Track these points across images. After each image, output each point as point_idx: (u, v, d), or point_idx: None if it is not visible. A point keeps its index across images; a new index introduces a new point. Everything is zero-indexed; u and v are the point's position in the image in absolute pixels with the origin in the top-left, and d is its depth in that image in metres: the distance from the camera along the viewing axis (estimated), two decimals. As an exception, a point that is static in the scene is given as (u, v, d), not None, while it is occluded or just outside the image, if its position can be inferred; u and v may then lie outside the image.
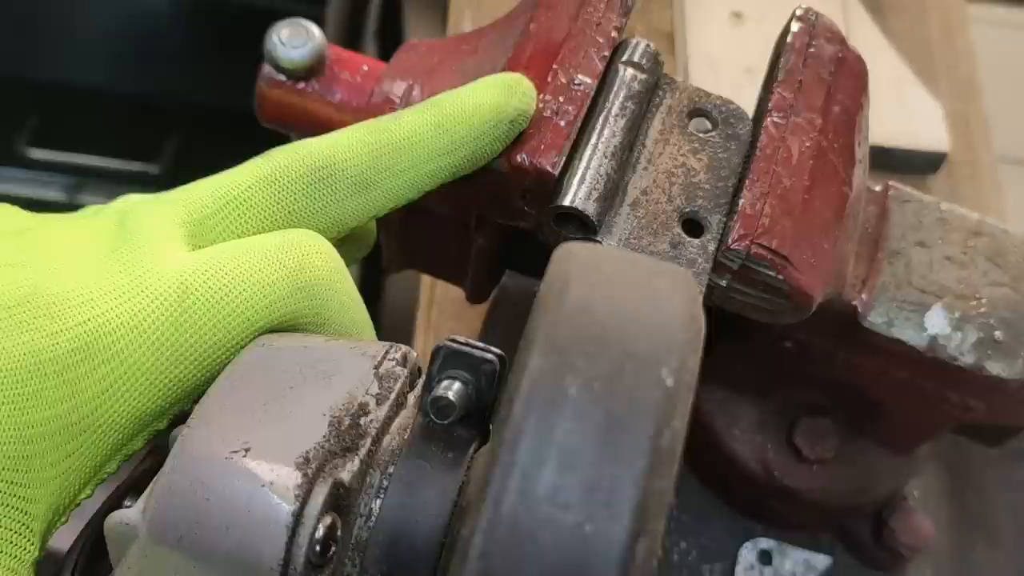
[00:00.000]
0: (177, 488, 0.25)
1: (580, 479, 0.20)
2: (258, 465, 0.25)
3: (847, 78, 0.42)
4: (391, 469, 0.27)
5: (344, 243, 0.37)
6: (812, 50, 0.42)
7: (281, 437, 0.26)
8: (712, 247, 0.38)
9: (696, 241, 0.38)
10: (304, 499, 0.25)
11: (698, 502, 0.57)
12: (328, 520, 0.25)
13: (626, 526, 0.20)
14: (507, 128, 0.37)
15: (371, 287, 0.86)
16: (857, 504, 0.52)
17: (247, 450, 0.26)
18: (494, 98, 0.36)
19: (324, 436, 0.26)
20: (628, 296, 0.23)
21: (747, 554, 0.55)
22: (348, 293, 0.33)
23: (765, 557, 0.55)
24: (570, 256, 0.24)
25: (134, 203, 0.33)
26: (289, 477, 0.25)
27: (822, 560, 0.55)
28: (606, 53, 0.41)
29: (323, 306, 0.32)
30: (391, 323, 0.78)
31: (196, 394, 0.30)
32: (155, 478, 0.26)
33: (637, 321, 0.22)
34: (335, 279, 0.33)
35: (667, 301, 0.23)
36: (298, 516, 0.25)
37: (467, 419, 0.27)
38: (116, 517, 0.26)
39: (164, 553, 0.25)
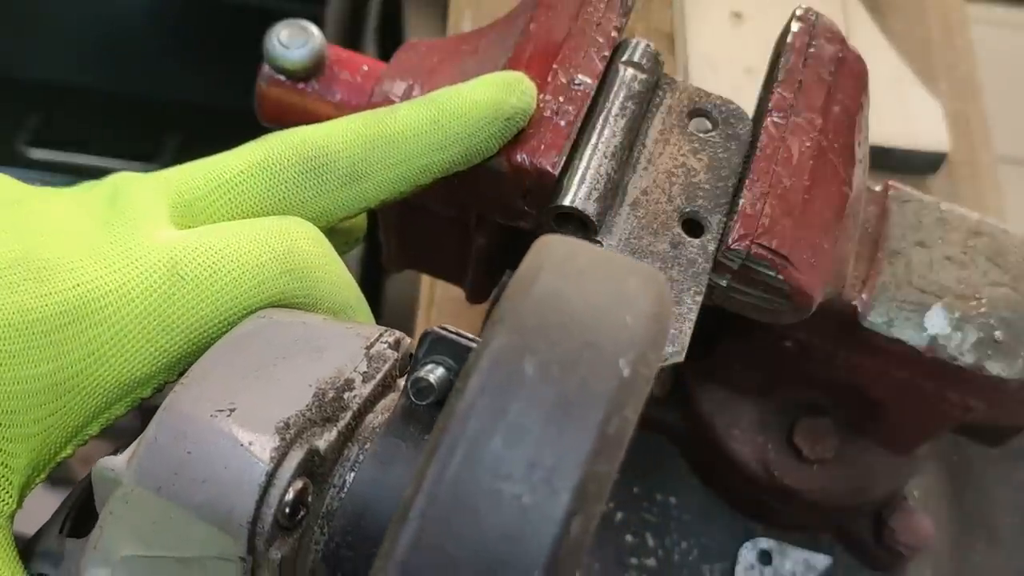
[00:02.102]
0: (162, 440, 0.27)
1: (525, 454, 0.20)
2: (239, 426, 0.26)
3: (847, 78, 0.42)
4: (369, 445, 0.28)
5: (333, 235, 0.37)
6: (812, 50, 0.42)
7: (266, 402, 0.27)
8: (712, 247, 0.38)
9: (696, 241, 0.38)
10: (279, 462, 0.26)
11: (699, 502, 0.57)
12: (300, 484, 0.26)
13: (563, 503, 0.20)
14: (504, 126, 0.37)
15: (371, 287, 0.86)
16: (857, 504, 0.52)
17: (232, 411, 0.27)
18: (492, 95, 0.36)
19: (307, 405, 0.27)
20: (597, 288, 0.23)
21: (747, 554, 0.55)
22: (339, 275, 0.34)
23: (765, 557, 0.55)
24: (546, 247, 0.25)
25: (126, 179, 0.33)
26: (267, 440, 0.26)
27: (822, 560, 0.55)
28: (606, 53, 0.41)
29: (313, 287, 0.33)
30: (391, 323, 0.78)
31: (182, 366, 0.31)
32: (144, 430, 0.27)
33: (602, 313, 0.23)
34: (324, 262, 0.33)
35: (635, 297, 0.23)
36: (271, 477, 0.26)
37: None
38: (103, 463, 0.27)
39: (144, 500, 0.26)
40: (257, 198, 0.33)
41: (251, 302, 0.31)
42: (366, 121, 0.35)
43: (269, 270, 0.31)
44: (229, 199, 0.33)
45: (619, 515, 0.56)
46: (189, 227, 0.32)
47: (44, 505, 0.31)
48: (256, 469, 0.26)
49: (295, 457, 0.26)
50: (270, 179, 0.34)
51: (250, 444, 0.26)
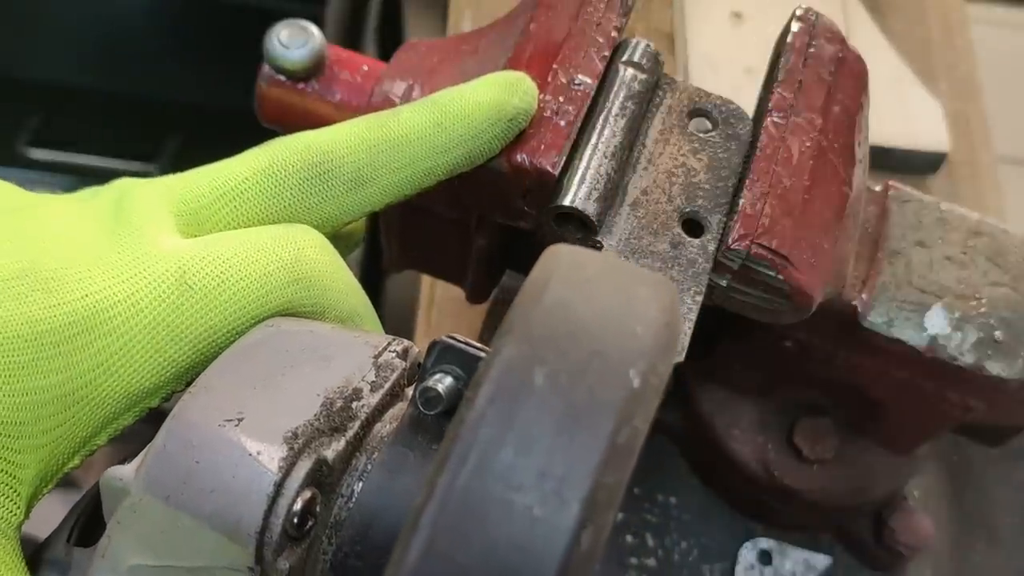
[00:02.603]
0: (170, 449, 0.27)
1: (535, 464, 0.20)
2: (248, 435, 0.26)
3: (847, 78, 0.42)
4: (377, 455, 0.28)
5: (335, 240, 0.37)
6: (812, 50, 0.42)
7: (274, 411, 0.27)
8: (712, 247, 0.38)
9: (696, 241, 0.38)
10: (287, 471, 0.26)
11: (698, 502, 0.57)
12: (308, 494, 0.26)
13: (574, 514, 0.20)
14: (506, 127, 0.37)
15: (371, 287, 0.86)
16: (857, 504, 0.52)
17: (240, 420, 0.27)
18: (494, 96, 0.36)
19: (315, 415, 0.27)
20: (607, 298, 0.23)
21: (747, 554, 0.55)
22: (346, 283, 0.34)
23: (765, 557, 0.55)
24: (555, 256, 0.25)
25: (130, 186, 0.33)
26: (275, 449, 0.26)
27: (822, 560, 0.55)
28: (606, 53, 0.41)
29: (321, 296, 0.32)
30: (391, 323, 0.78)
31: (189, 376, 0.31)
32: (153, 439, 0.27)
33: (612, 322, 0.23)
34: (331, 270, 0.33)
35: (645, 307, 0.23)
36: (279, 487, 0.26)
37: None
38: (112, 473, 0.27)
39: (152, 509, 0.26)
40: (262, 205, 0.33)
41: (259, 311, 0.31)
42: (369, 125, 0.35)
43: (277, 279, 0.31)
44: (234, 207, 0.33)
45: (619, 515, 0.56)
46: (194, 235, 0.32)
47: (51, 511, 0.31)
48: (264, 479, 0.26)
49: (303, 467, 0.26)
50: (275, 186, 0.33)
51: (258, 454, 0.26)
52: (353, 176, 0.34)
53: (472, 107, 0.36)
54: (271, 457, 0.26)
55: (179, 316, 0.30)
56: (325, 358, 0.29)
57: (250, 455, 0.26)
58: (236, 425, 0.27)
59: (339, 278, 0.33)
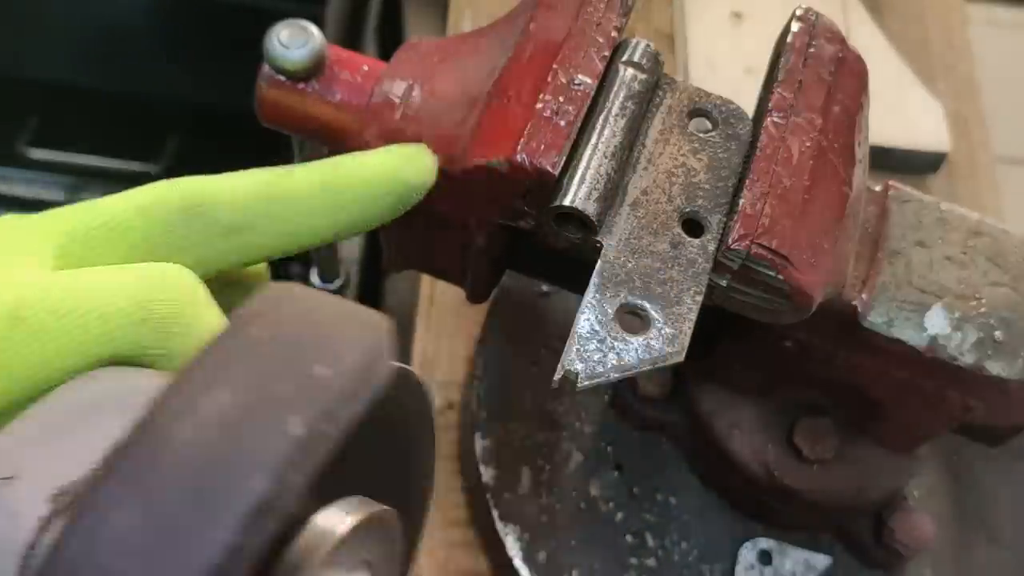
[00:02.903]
0: None
1: (154, 528, 0.19)
2: (14, 494, 0.25)
3: (847, 78, 0.42)
4: None
5: (234, 287, 0.37)
6: (812, 50, 0.42)
7: (50, 468, 0.26)
8: (712, 247, 0.38)
9: (696, 241, 0.38)
10: (44, 530, 0.25)
11: (699, 502, 0.57)
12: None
13: None
14: (397, 199, 0.37)
15: (371, 287, 0.86)
16: (857, 504, 0.52)
17: (11, 479, 0.25)
18: (390, 167, 0.37)
19: (94, 468, 0.26)
20: (299, 337, 0.22)
21: (747, 554, 0.55)
22: (209, 329, 0.32)
23: (765, 557, 0.55)
24: (263, 296, 0.24)
25: (12, 220, 0.32)
26: (37, 508, 0.25)
27: (822, 560, 0.55)
28: (606, 53, 0.41)
29: (171, 340, 0.31)
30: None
31: (15, 411, 0.29)
32: None
33: (292, 362, 0.21)
34: (190, 314, 0.31)
35: (345, 346, 0.22)
36: (32, 547, 0.24)
37: None
38: None
39: None
40: (135, 241, 0.33)
41: (98, 351, 0.29)
42: (258, 178, 0.35)
43: (121, 318, 0.30)
44: (107, 241, 0.32)
45: (619, 515, 0.56)
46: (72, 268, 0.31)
47: None
48: (18, 538, 0.24)
49: (59, 526, 0.24)
50: (148, 222, 0.33)
51: (17, 514, 0.25)
52: (230, 222, 0.34)
53: (364, 177, 0.36)
54: (30, 517, 0.25)
55: (7, 348, 0.29)
56: (121, 411, 0.27)
57: (10, 517, 0.25)
58: (7, 483, 0.25)
59: (199, 324, 0.31)
